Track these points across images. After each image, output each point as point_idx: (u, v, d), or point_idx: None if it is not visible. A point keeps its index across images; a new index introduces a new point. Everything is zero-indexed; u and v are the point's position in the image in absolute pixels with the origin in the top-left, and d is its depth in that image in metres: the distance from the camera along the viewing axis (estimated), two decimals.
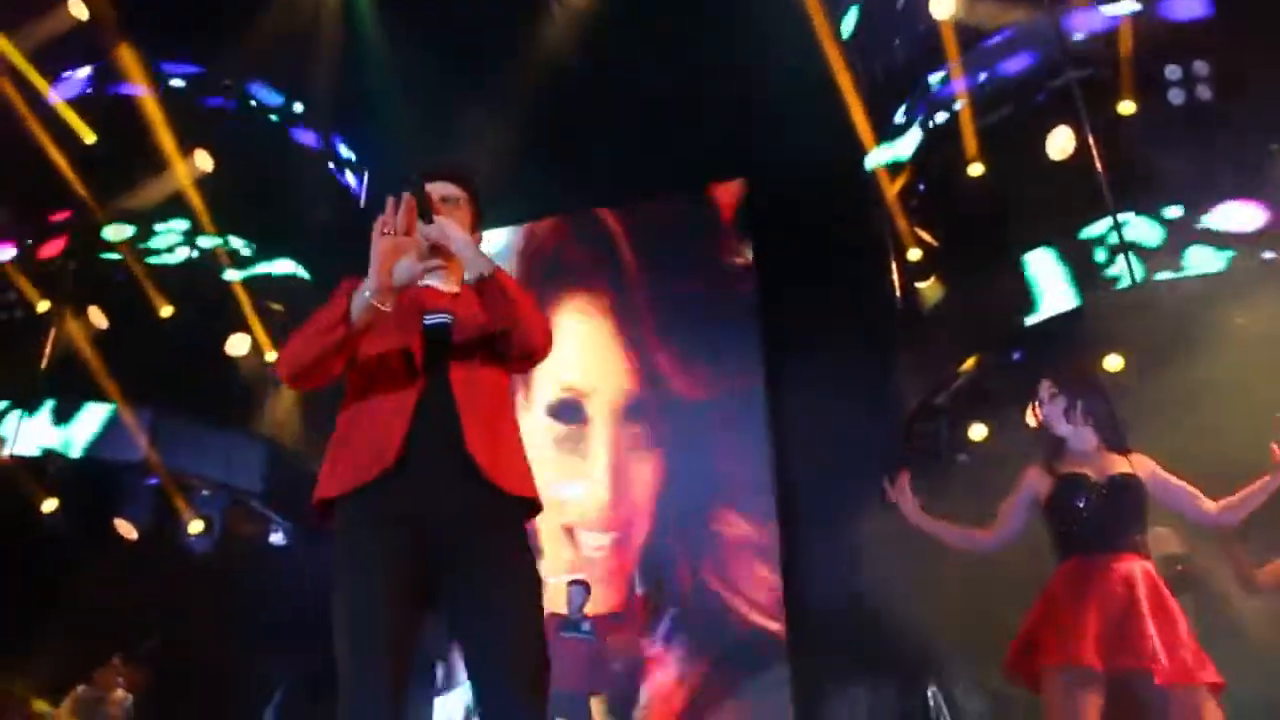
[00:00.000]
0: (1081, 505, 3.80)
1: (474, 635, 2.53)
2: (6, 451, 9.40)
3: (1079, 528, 3.80)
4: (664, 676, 9.32)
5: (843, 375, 9.06)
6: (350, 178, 12.35)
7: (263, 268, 10.81)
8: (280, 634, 9.39)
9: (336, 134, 12.09)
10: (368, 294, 2.58)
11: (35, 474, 9.42)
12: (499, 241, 11.62)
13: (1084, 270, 7.67)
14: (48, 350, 9.79)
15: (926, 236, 9.13)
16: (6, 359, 9.84)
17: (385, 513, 2.54)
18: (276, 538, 10.59)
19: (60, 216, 10.38)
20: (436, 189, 2.82)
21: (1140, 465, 3.86)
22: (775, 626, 9.20)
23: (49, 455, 9.40)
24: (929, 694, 8.39)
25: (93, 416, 9.55)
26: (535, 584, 2.60)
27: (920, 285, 9.13)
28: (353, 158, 12.37)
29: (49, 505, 9.38)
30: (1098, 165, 7.82)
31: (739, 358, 10.36)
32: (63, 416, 9.50)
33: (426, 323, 2.75)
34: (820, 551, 9.04)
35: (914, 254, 9.13)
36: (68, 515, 9.51)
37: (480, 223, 2.94)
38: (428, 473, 2.58)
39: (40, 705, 8.34)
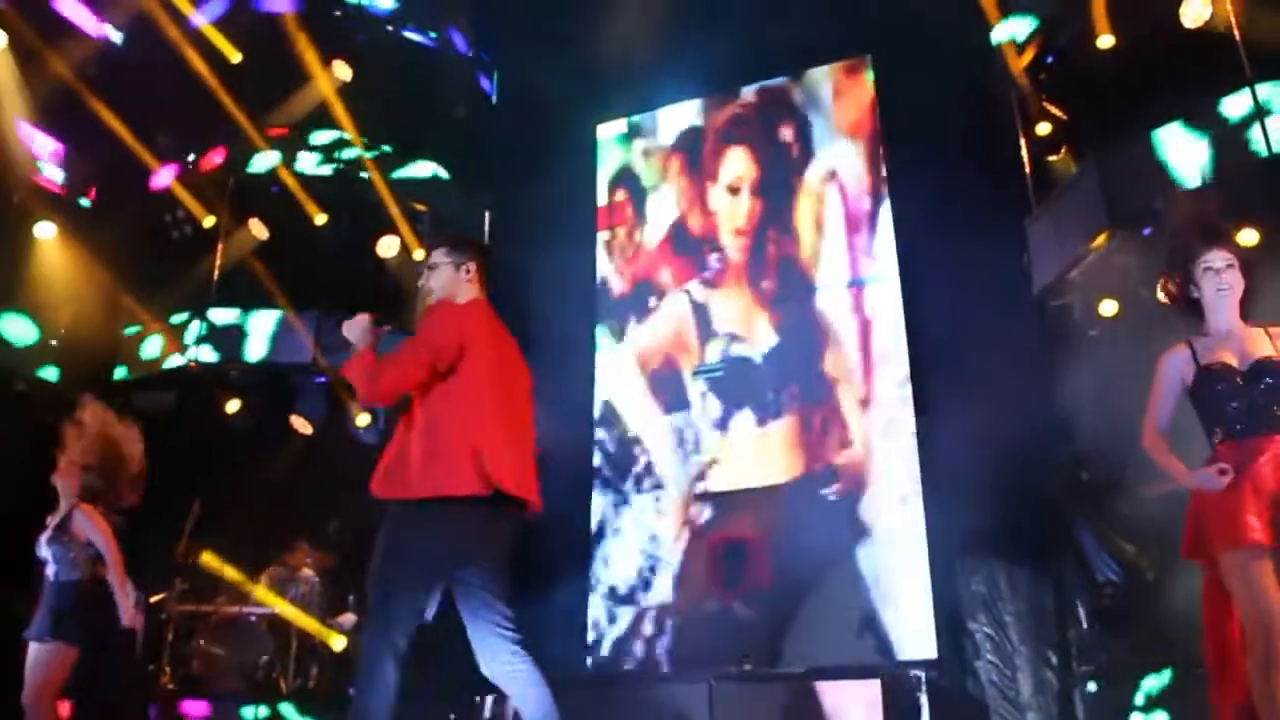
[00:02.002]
0: (1225, 393, 3.95)
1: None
2: (189, 358, 10.22)
3: (1225, 415, 3.95)
4: None
5: (973, 253, 9.16)
6: (482, 78, 12.63)
7: (405, 171, 11.26)
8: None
9: (463, 34, 12.34)
10: None
11: (218, 378, 10.24)
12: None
13: (1219, 142, 7.61)
14: (218, 262, 10.52)
15: (1056, 110, 9.09)
16: (182, 272, 10.59)
17: None
18: None
19: (216, 136, 10.92)
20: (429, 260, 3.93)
21: None
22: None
23: (228, 360, 10.15)
24: None
25: (264, 322, 10.26)
26: None
27: (1050, 159, 9.13)
28: (485, 58, 12.64)
29: (232, 406, 10.22)
30: (1235, 33, 7.70)
31: (868, 240, 10.53)
32: (237, 324, 10.23)
33: None
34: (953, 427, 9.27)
35: (1043, 128, 9.10)
36: (250, 414, 10.37)
37: (462, 270, 3.94)
38: None
39: (241, 580, 9.12)
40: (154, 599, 8.32)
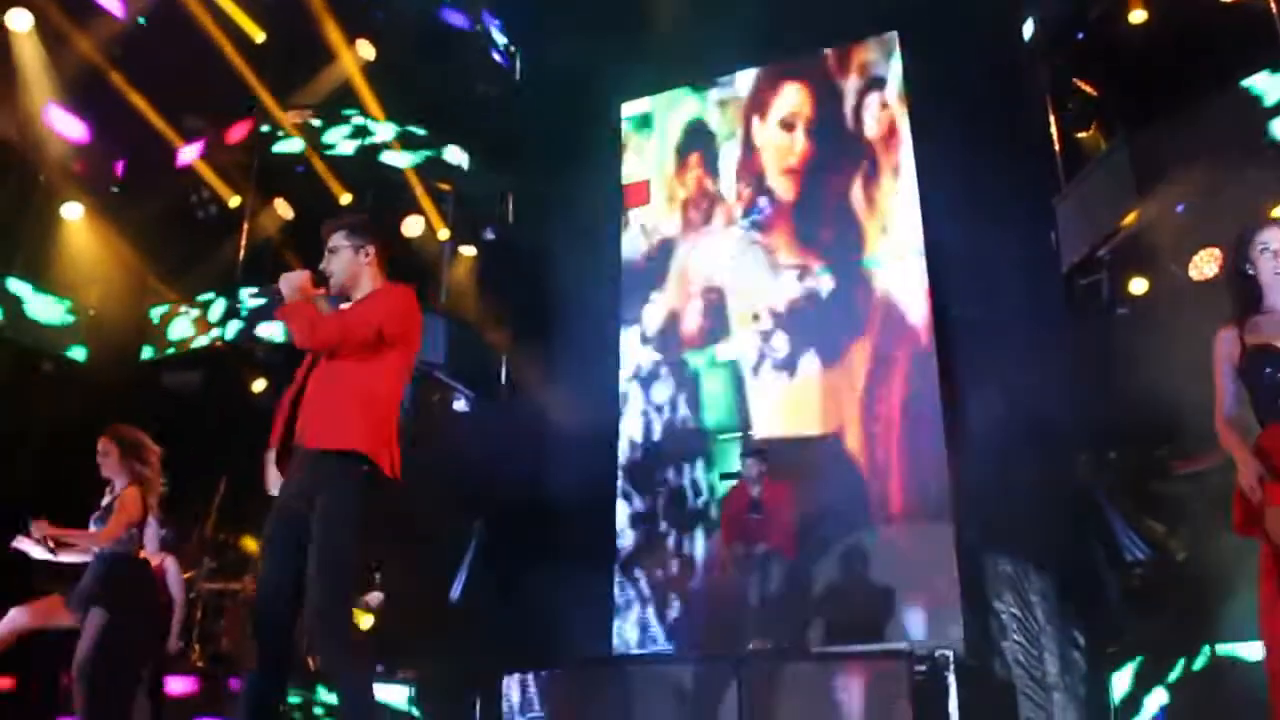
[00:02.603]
0: (1274, 375, 3.89)
1: None
2: (215, 337, 10.27)
3: (1273, 397, 3.90)
4: None
5: (1000, 232, 9.11)
6: (503, 56, 12.60)
7: (429, 150, 11.25)
8: (466, 492, 10.17)
9: (489, 13, 12.32)
10: None
11: (244, 358, 10.28)
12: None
13: (1251, 119, 7.51)
14: (243, 241, 10.54)
15: (1086, 87, 8.99)
16: (208, 252, 10.63)
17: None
18: (459, 405, 11.28)
19: (240, 115, 10.94)
20: (329, 243, 4.00)
21: None
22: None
23: (255, 340, 10.19)
24: None
25: None
26: None
27: (1079, 136, 9.04)
28: (505, 38, 12.61)
29: (259, 385, 10.27)
30: (1271, 5, 7.58)
31: (895, 219, 10.48)
32: (264, 303, 10.25)
33: None
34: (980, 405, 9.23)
35: (1072, 105, 9.01)
36: (276, 393, 10.38)
37: (361, 253, 3.98)
38: None
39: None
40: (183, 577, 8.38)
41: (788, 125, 11.36)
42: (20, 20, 9.79)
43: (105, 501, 5.61)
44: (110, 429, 5.72)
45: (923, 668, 6.34)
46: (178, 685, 7.68)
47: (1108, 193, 8.45)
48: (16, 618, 5.40)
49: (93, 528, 5.53)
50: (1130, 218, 8.17)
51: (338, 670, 3.53)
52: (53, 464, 9.17)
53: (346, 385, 3.66)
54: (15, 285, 9.82)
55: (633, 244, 11.83)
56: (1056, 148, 9.20)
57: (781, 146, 11.33)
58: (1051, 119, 9.29)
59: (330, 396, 3.64)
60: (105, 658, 5.30)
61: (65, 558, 5.52)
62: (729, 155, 11.62)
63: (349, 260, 3.90)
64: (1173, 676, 6.88)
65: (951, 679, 6.34)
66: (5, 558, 5.68)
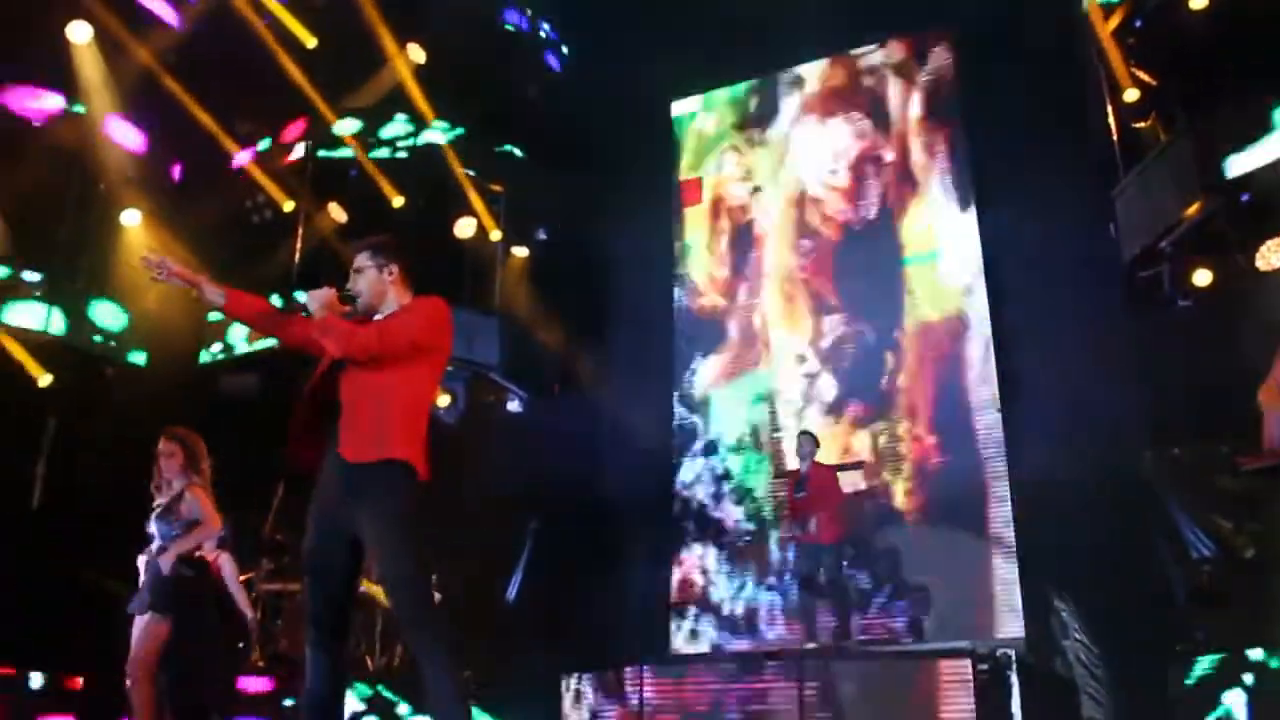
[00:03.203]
0: None
1: None
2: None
3: None
4: None
5: (1058, 226, 8.99)
6: (554, 56, 12.62)
7: (480, 151, 11.29)
8: (521, 493, 10.20)
9: (535, 13, 12.34)
10: None
11: (300, 360, 10.32)
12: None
13: None
14: (298, 245, 10.64)
15: (1144, 75, 8.83)
16: (263, 255, 10.74)
17: None
18: (513, 405, 11.31)
19: (293, 120, 11.05)
20: (355, 262, 3.96)
21: None
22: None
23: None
24: None
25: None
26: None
27: (1138, 126, 8.88)
28: (556, 39, 12.63)
29: None
30: None
31: (949, 214, 10.37)
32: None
33: None
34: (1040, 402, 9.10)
35: (1131, 95, 8.84)
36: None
37: (385, 271, 3.93)
38: None
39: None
40: (242, 578, 8.47)
41: (839, 119, 11.27)
42: (80, 32, 9.96)
43: (164, 501, 5.65)
44: (173, 431, 5.76)
45: (985, 666, 6.26)
46: (253, 685, 7.79)
47: (1169, 183, 8.28)
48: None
49: (155, 526, 5.58)
50: (1193, 208, 8.00)
51: (444, 679, 3.50)
52: (115, 467, 9.32)
53: (383, 395, 3.69)
54: (78, 292, 10.00)
55: (689, 241, 11.81)
56: (1115, 138, 9.03)
57: (834, 139, 11.24)
58: (1109, 109, 9.12)
59: (368, 407, 3.67)
60: (177, 659, 5.36)
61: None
62: (777, 151, 11.55)
63: (374, 279, 3.94)
64: (1242, 675, 6.74)
65: (1014, 678, 6.25)
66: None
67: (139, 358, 10.29)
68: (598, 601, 9.67)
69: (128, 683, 5.38)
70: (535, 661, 8.87)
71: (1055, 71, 9.55)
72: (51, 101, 10.11)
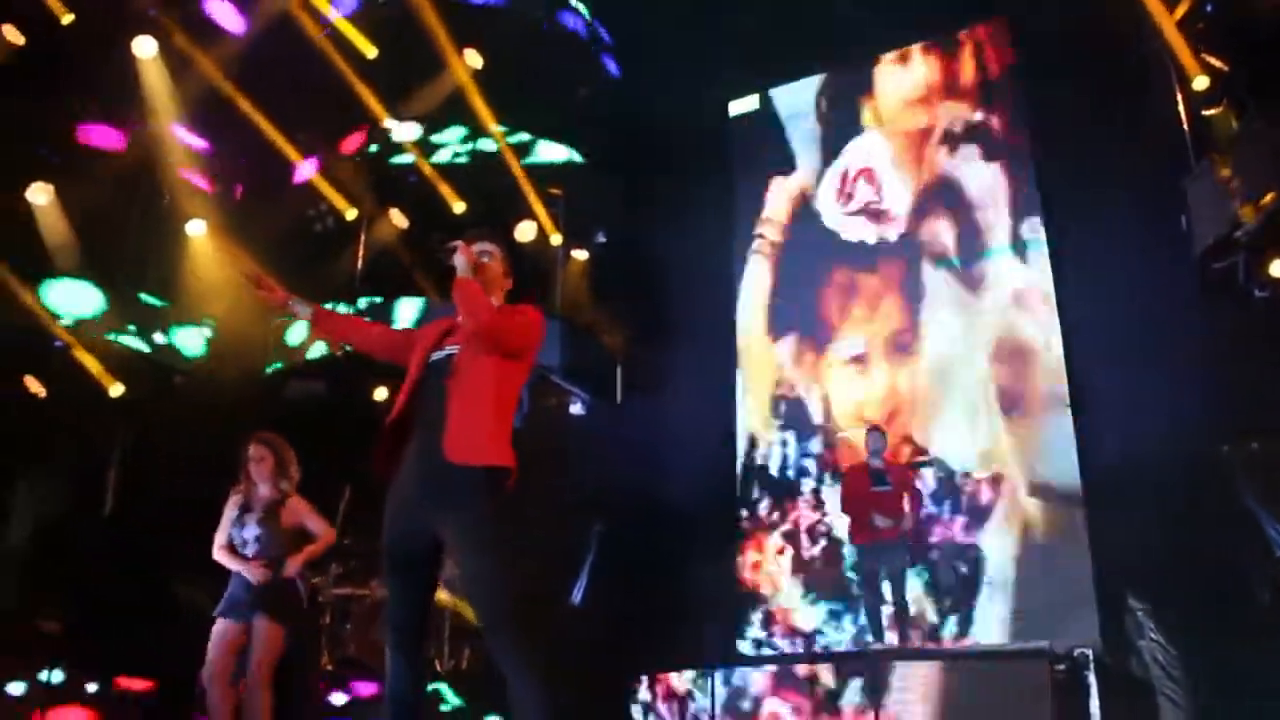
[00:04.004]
0: None
1: None
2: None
3: None
4: None
5: (1127, 217, 8.81)
6: (610, 58, 12.61)
7: (539, 155, 11.32)
8: (585, 495, 10.19)
9: (590, 15, 12.34)
10: None
11: (366, 366, 10.43)
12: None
13: None
14: (361, 252, 10.74)
15: (1215, 62, 8.62)
16: (328, 263, 10.85)
17: None
18: (576, 408, 11.32)
19: (354, 130, 11.16)
20: (476, 247, 3.96)
21: None
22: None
23: None
24: None
25: (408, 310, 10.43)
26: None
27: (1209, 114, 8.67)
28: (612, 40, 12.61)
29: (380, 394, 10.42)
30: None
31: (1015, 208, 10.21)
32: (382, 312, 10.40)
33: None
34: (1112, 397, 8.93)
35: (1200, 82, 8.64)
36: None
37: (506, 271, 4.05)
38: None
39: None
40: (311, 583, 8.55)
41: (901, 115, 11.14)
42: (145, 48, 10.14)
43: (251, 505, 5.69)
44: (264, 436, 5.83)
45: (1062, 667, 6.14)
46: (366, 689, 7.87)
47: (1243, 172, 8.07)
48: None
49: (248, 532, 5.62)
50: (1269, 196, 7.79)
51: (531, 692, 3.44)
52: (185, 474, 9.46)
53: (483, 398, 3.68)
54: (147, 302, 10.16)
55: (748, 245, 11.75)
56: (1185, 126, 8.83)
57: (896, 136, 11.12)
58: (1179, 97, 8.92)
59: (470, 410, 3.65)
60: (281, 664, 5.42)
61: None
62: (839, 147, 11.45)
63: (498, 272, 4.00)
64: None
65: (1092, 679, 6.13)
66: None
67: (206, 365, 10.44)
68: (664, 603, 9.64)
69: (209, 687, 5.43)
70: (602, 664, 8.86)
71: (1118, 60, 9.36)
72: (118, 116, 10.32)
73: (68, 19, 10.16)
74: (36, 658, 7.70)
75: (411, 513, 3.62)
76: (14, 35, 10.06)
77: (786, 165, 11.75)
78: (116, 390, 9.90)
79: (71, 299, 9.60)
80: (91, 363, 9.78)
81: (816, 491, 10.47)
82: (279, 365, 10.79)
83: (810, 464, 10.61)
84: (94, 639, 8.28)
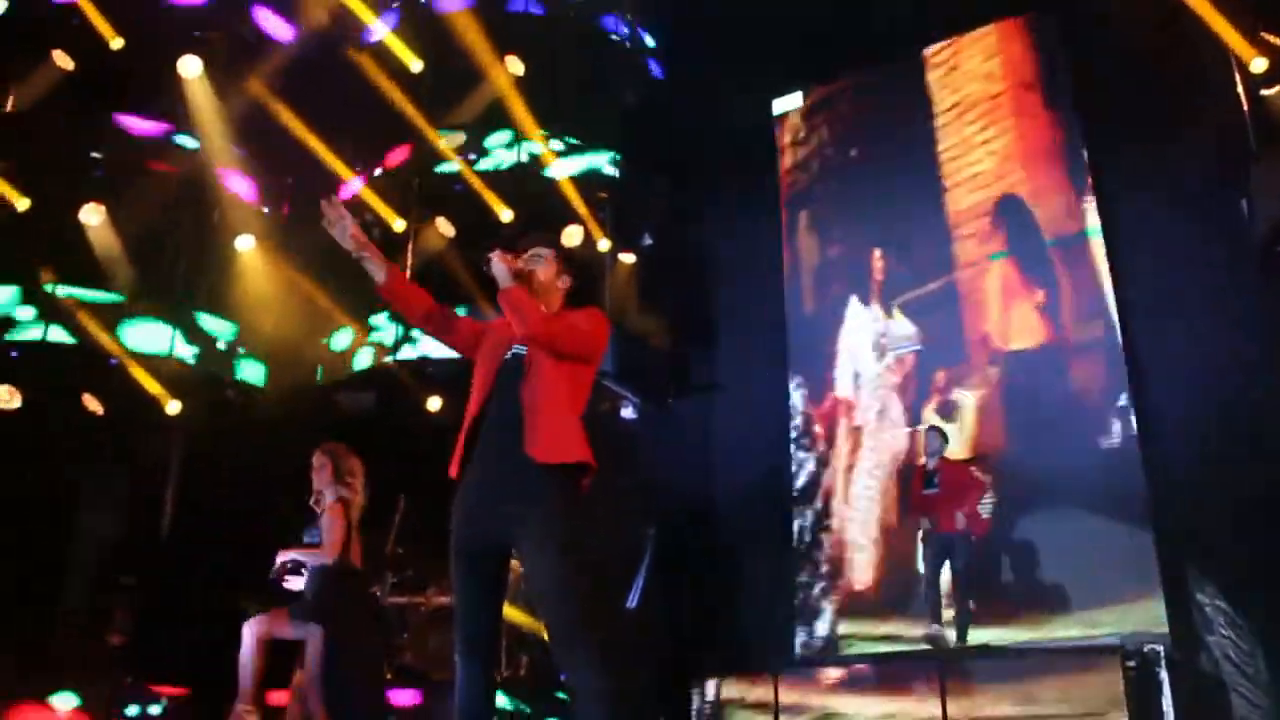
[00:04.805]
0: None
1: None
2: (389, 358, 10.52)
3: None
4: None
5: (1184, 202, 8.63)
6: (654, 61, 12.60)
7: (584, 160, 11.31)
8: (638, 500, 10.14)
9: (627, 19, 12.34)
10: None
11: (417, 376, 10.49)
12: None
13: None
14: (409, 262, 10.77)
15: (1274, 39, 8.42)
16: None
17: None
18: (627, 412, 11.28)
19: (400, 139, 11.21)
20: (530, 251, 3.94)
21: None
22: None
23: (426, 358, 10.38)
24: None
25: None
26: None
27: (1268, 94, 8.46)
28: (652, 44, 12.61)
29: (434, 403, 10.44)
30: None
31: (1070, 197, 10.03)
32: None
33: None
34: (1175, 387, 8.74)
35: (1259, 63, 8.43)
36: (451, 409, 10.57)
37: (560, 278, 3.96)
38: None
39: None
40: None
41: (950, 109, 10.98)
42: (191, 67, 10.27)
43: (319, 513, 5.78)
44: (325, 445, 5.92)
45: (1133, 663, 6.00)
46: (403, 697, 7.86)
47: None
48: (256, 628, 5.55)
49: (311, 536, 5.72)
50: None
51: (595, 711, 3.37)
52: (239, 484, 9.55)
53: (562, 396, 3.65)
54: (200, 317, 10.28)
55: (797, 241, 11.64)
56: (1244, 106, 8.61)
57: (945, 130, 10.95)
58: (1237, 76, 8.70)
59: (551, 407, 3.61)
60: (333, 671, 5.44)
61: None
62: (887, 143, 11.31)
63: (549, 277, 3.92)
64: None
65: (1164, 675, 5.98)
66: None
67: (258, 377, 10.53)
68: (721, 606, 9.57)
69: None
70: (659, 667, 8.82)
71: (1171, 41, 9.16)
72: (166, 135, 10.46)
73: (117, 43, 10.37)
74: (110, 670, 7.83)
75: (490, 511, 3.53)
76: (64, 60, 10.29)
77: (826, 159, 11.62)
78: (174, 408, 10.02)
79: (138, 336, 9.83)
80: (148, 380, 9.90)
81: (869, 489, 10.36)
82: (328, 376, 10.85)
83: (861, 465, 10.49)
84: (157, 650, 8.38)
